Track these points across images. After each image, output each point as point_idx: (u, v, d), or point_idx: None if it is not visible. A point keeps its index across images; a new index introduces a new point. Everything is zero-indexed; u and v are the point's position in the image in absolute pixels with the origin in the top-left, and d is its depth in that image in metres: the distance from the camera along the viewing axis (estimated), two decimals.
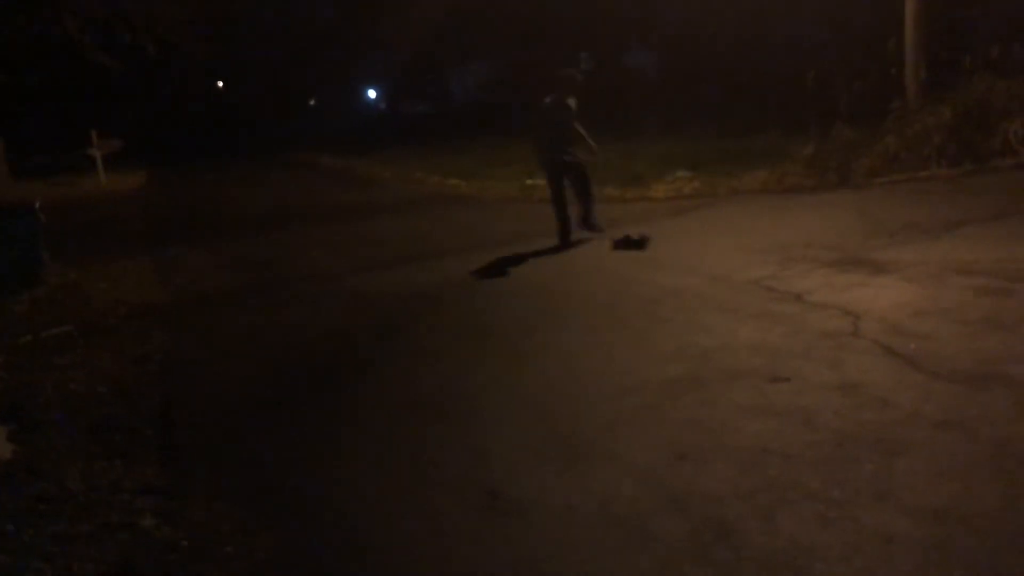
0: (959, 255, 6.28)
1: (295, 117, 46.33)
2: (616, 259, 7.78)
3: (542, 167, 8.93)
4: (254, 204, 16.62)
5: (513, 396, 4.56)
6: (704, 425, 3.87)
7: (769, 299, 5.79)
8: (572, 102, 8.61)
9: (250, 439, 4.44)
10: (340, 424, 4.48)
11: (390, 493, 3.61)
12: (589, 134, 8.93)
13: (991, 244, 6.54)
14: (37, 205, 8.98)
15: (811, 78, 12.54)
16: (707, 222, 8.98)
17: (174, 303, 8.01)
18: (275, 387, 5.26)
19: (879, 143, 11.01)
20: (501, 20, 32.66)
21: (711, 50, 22.96)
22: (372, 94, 53.14)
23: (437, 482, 3.64)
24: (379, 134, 32.62)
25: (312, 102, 53.43)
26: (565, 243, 8.63)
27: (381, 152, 24.14)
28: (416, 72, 42.31)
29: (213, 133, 42.19)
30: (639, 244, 7.99)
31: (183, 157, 33.51)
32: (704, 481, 3.35)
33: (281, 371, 5.60)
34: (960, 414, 3.63)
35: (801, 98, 12.85)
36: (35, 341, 6.63)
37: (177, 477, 3.99)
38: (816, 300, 5.59)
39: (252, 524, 3.44)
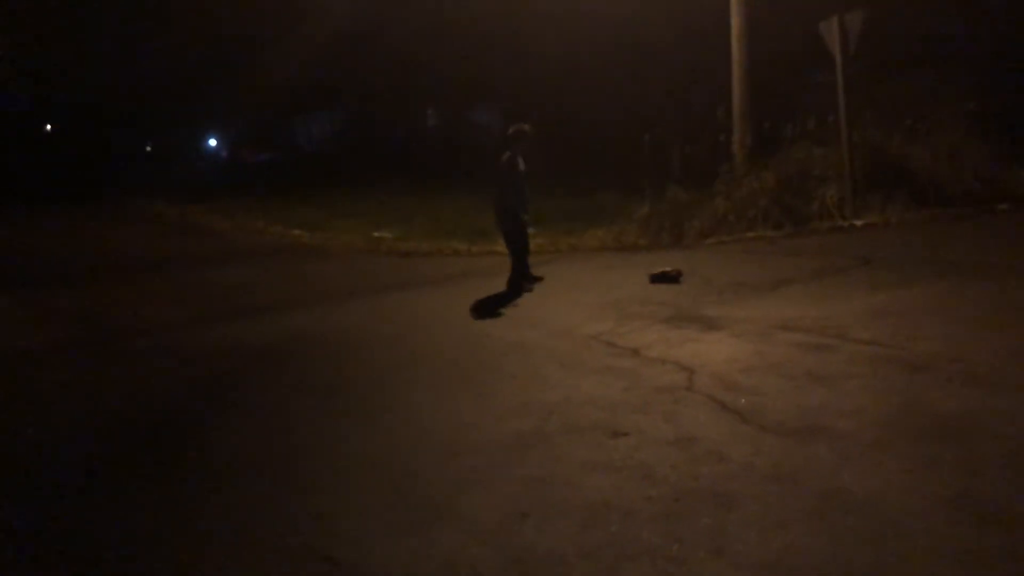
0: (784, 312, 6.65)
1: (129, 163, 44.19)
2: (460, 312, 7.77)
3: (508, 220, 8.67)
4: (77, 253, 15.56)
5: (356, 456, 4.39)
6: (547, 482, 3.85)
7: (609, 354, 5.91)
8: (520, 161, 8.57)
9: (63, 513, 4.04)
10: (166, 491, 4.15)
11: (221, 562, 3.37)
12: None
13: (813, 302, 6.97)
14: None
15: (647, 142, 13.14)
16: (550, 278, 9.13)
17: None
18: (90, 453, 4.83)
19: (709, 205, 11.63)
20: (349, 73, 32.66)
21: (554, 113, 23.72)
22: (213, 142, 51.59)
23: (273, 549, 3.43)
24: (219, 182, 31.58)
25: (148, 148, 51.24)
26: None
27: (221, 201, 23.31)
28: (260, 121, 41.47)
29: (35, 178, 39.51)
30: (675, 278, 8.33)
31: (5, 201, 31.12)
32: (547, 540, 3.31)
33: (99, 435, 5.16)
34: (788, 467, 3.78)
35: (638, 160, 13.42)
36: None
37: None
38: (653, 355, 5.75)
39: None
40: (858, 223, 10.85)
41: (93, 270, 12.67)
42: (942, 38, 15.94)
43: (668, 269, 8.47)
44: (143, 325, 8.34)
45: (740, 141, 12.61)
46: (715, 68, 13.92)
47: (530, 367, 5.78)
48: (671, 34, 19.30)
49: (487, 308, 7.84)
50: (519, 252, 8.69)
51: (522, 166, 8.59)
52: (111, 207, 25.94)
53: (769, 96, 13.80)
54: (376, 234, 14.40)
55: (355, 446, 4.54)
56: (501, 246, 11.96)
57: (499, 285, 8.61)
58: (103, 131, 43.89)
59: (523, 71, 24.81)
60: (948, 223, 10.55)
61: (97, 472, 4.50)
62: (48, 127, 47.45)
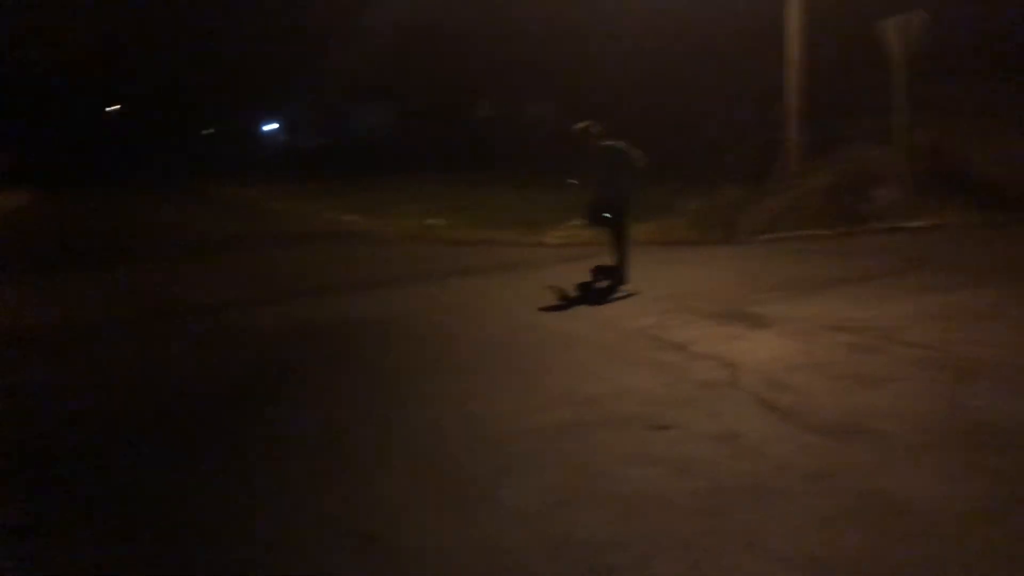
0: (833, 312, 6.61)
1: (192, 145, 45.17)
2: (508, 301, 7.86)
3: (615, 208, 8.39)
4: (140, 232, 16.06)
5: (401, 439, 4.51)
6: (586, 471, 3.92)
7: (654, 347, 5.95)
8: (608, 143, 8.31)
9: (123, 477, 4.24)
10: (220, 462, 4.33)
11: (269, 534, 3.51)
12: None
13: (863, 303, 6.92)
14: None
15: (702, 138, 13.08)
16: None
17: (48, 332, 7.63)
18: (151, 424, 5.05)
19: (761, 202, 11.54)
20: (407, 62, 32.92)
21: (610, 107, 23.66)
22: (272, 126, 52.37)
23: (316, 522, 3.56)
24: (277, 166, 32.12)
25: (211, 131, 52.24)
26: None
27: (278, 184, 23.76)
28: (318, 108, 42.02)
29: (106, 158, 40.60)
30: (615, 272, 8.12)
31: (73, 181, 32.05)
32: (584, 528, 3.38)
33: (157, 408, 5.38)
34: (827, 466, 3.79)
35: (693, 155, 13.36)
36: None
37: (40, 516, 3.78)
38: (698, 350, 5.77)
39: (120, 566, 3.28)
40: (914, 225, 10.68)
41: (156, 250, 13.06)
42: (1003, 38, 15.56)
43: (608, 264, 8.13)
44: (202, 304, 8.60)
45: (795, 139, 12.48)
46: (772, 66, 13.78)
47: (573, 358, 5.84)
48: (729, 31, 19.12)
49: (532, 298, 7.90)
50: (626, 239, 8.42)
51: (612, 145, 8.25)
52: (174, 189, 26.59)
53: (827, 94, 13.62)
54: (428, 222, 14.55)
55: (402, 429, 4.66)
56: (550, 238, 12.07)
57: (545, 276, 8.65)
58: (167, 114, 44.87)
59: (581, 66, 24.78)
60: (1005, 228, 10.33)
61: (155, 442, 4.70)
62: (111, 109, 48.60)
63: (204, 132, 51.80)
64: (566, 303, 7.75)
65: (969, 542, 3.09)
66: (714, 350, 5.75)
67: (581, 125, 8.41)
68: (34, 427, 5.05)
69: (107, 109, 48.00)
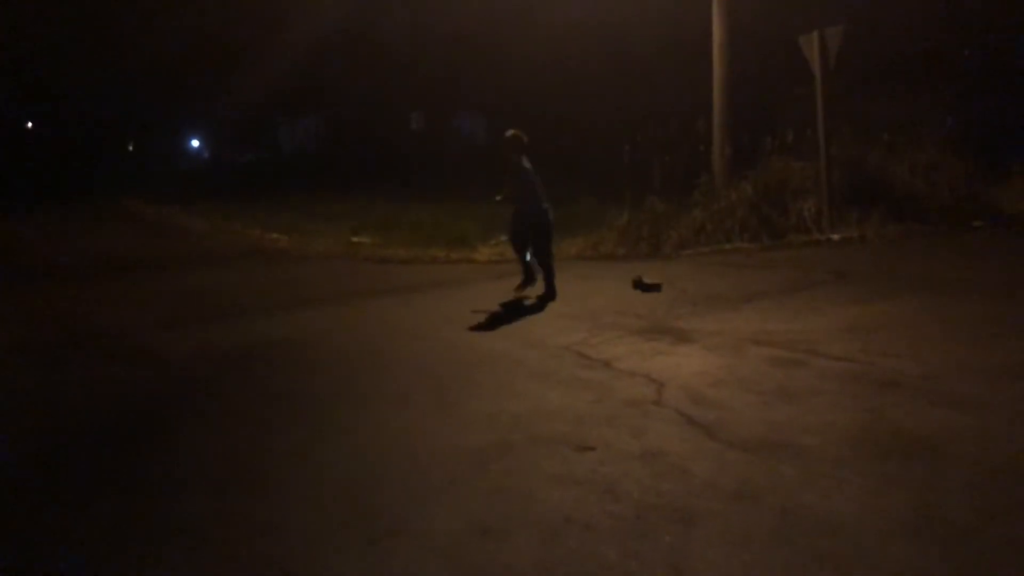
0: (756, 326, 6.66)
1: (111, 162, 43.84)
2: (433, 321, 7.71)
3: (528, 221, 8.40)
4: (51, 253, 15.37)
5: (318, 468, 4.32)
6: (510, 495, 3.80)
7: (580, 365, 5.88)
8: (526, 161, 8.31)
9: (13, 516, 3.96)
10: (113, 503, 4.06)
11: (178, 570, 3.30)
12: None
13: (786, 316, 6.98)
14: None
15: (627, 151, 13.16)
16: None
17: None
18: (37, 461, 4.70)
19: (687, 216, 11.66)
20: (333, 76, 32.59)
21: (537, 121, 23.77)
22: (195, 142, 51.36)
23: (229, 559, 3.36)
24: (200, 183, 31.37)
25: (131, 147, 50.90)
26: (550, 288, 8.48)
27: (200, 202, 23.13)
28: (243, 122, 41.30)
29: (14, 176, 39.07)
30: (659, 288, 8.37)
31: None
32: (507, 555, 3.26)
33: (57, 437, 5.06)
34: (751, 484, 3.75)
35: (618, 169, 13.42)
36: None
37: None
38: (623, 367, 5.72)
39: None
40: (835, 237, 10.90)
41: (65, 270, 12.51)
42: (921, 53, 16.09)
43: (652, 281, 8.49)
44: (111, 326, 8.21)
45: (719, 152, 12.65)
46: (697, 80, 13.97)
47: (499, 377, 5.73)
48: (654, 45, 19.40)
49: (459, 317, 7.78)
50: (548, 253, 8.50)
51: (528, 165, 8.32)
52: (89, 207, 25.70)
53: (749, 109, 13.87)
54: (355, 239, 14.32)
55: (318, 456, 4.47)
56: (479, 254, 11.98)
57: (473, 293, 8.56)
58: (85, 130, 43.57)
59: (508, 80, 24.88)
60: (924, 239, 10.62)
61: (52, 476, 4.41)
62: (29, 124, 47.05)
63: (127, 147, 50.48)
64: (493, 321, 7.64)
65: (893, 560, 3.07)
66: (639, 366, 5.71)
67: (510, 133, 8.37)
68: None
69: (26, 125, 46.42)
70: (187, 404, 5.65)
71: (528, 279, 8.55)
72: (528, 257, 8.53)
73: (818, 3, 16.28)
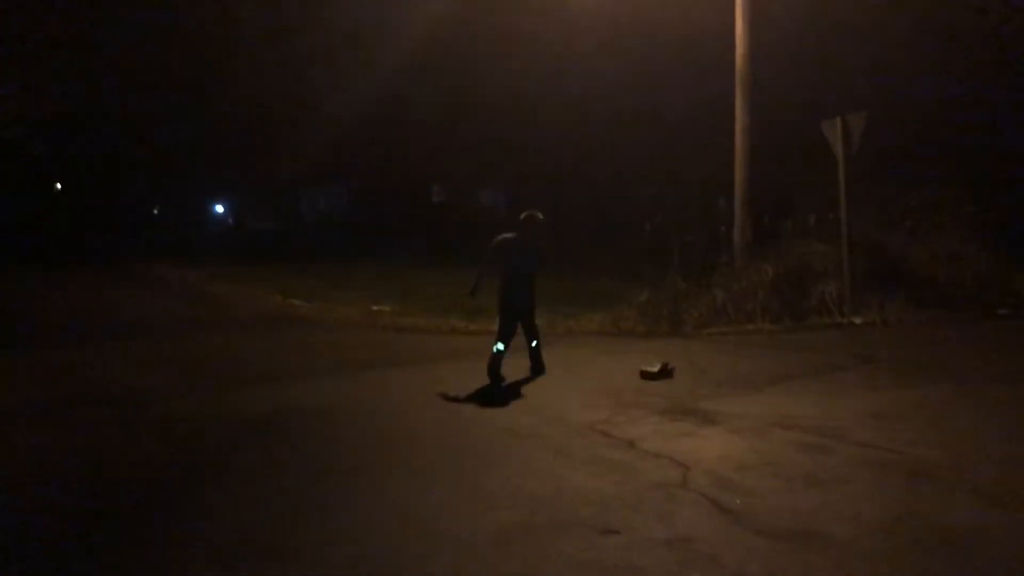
0: (781, 409, 6.57)
1: (136, 225, 44.53)
2: (460, 394, 7.66)
3: (509, 303, 8.46)
4: (75, 315, 15.46)
5: (335, 544, 4.23)
6: None
7: (603, 445, 5.80)
8: (528, 241, 8.37)
9: None
10: (137, 562, 4.01)
11: None
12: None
13: (811, 400, 6.90)
14: None
15: (648, 229, 13.23)
16: (546, 361, 9.05)
17: None
18: (42, 529, 4.62)
19: (708, 295, 11.63)
20: (358, 149, 33.21)
21: (558, 198, 24.07)
22: (219, 208, 52.18)
23: None
24: (223, 248, 31.77)
25: (156, 211, 51.74)
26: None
27: (223, 267, 23.37)
28: (267, 191, 41.98)
29: (43, 235, 39.65)
30: (669, 374, 8.01)
31: (12, 258, 31.05)
32: None
33: (69, 504, 5.01)
34: (781, 573, 3.66)
35: (639, 247, 13.49)
36: None
37: None
38: (648, 448, 5.64)
39: None
40: (857, 320, 10.84)
41: (88, 332, 12.58)
42: (943, 139, 16.23)
43: (657, 368, 8.00)
44: (132, 390, 8.21)
45: (740, 233, 12.69)
46: (718, 161, 14.12)
47: (521, 455, 5.66)
48: (676, 123, 19.69)
49: (480, 390, 7.74)
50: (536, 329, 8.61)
51: (530, 245, 8.39)
52: (114, 269, 25.98)
53: (770, 190, 13.96)
54: (375, 307, 14.36)
55: (334, 532, 4.39)
56: (496, 324, 11.95)
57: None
58: (112, 192, 44.36)
59: (531, 158, 25.28)
60: (948, 325, 10.53)
61: (62, 541, 4.35)
62: (59, 185, 47.89)
63: (152, 211, 51.31)
64: (515, 395, 7.59)
65: None
66: (664, 448, 5.63)
67: (527, 213, 8.46)
68: None
69: (55, 186, 47.29)
70: (205, 470, 5.59)
71: (538, 368, 8.56)
72: (533, 343, 8.54)
73: (842, 86, 16.58)
